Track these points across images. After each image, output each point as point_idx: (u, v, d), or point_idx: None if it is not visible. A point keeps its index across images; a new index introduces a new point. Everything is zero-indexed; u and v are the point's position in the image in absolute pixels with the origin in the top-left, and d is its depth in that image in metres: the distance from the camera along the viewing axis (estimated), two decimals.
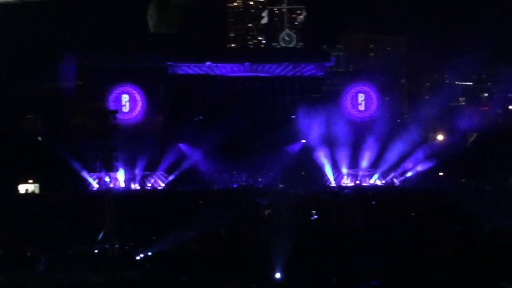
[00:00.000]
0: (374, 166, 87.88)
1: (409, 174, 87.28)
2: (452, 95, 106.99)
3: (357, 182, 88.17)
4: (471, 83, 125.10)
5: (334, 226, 57.62)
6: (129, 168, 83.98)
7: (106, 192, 52.94)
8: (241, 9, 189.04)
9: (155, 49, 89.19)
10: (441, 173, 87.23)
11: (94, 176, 77.66)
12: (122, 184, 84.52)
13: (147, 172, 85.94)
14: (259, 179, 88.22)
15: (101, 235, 52.94)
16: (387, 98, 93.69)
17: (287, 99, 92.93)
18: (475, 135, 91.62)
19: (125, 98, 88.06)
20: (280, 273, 41.53)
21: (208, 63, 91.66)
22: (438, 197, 70.72)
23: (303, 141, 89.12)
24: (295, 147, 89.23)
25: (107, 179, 54.22)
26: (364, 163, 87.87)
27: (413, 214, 64.28)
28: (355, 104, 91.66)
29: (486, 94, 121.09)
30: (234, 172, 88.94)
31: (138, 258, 48.33)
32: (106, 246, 50.62)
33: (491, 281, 38.24)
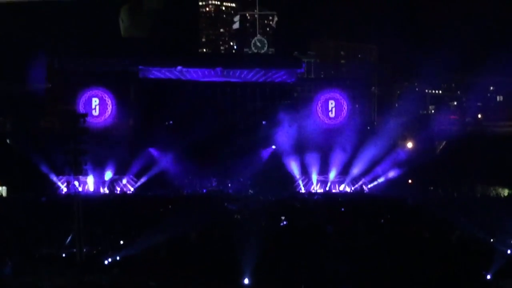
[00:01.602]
0: (344, 172, 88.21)
1: (378, 181, 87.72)
2: (421, 103, 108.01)
3: (327, 188, 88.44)
4: (440, 92, 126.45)
5: (304, 232, 57.67)
6: (98, 172, 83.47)
7: (74, 196, 52.68)
8: (213, 14, 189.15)
9: (126, 53, 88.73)
10: (410, 181, 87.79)
11: (63, 180, 77.15)
12: (91, 188, 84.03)
13: (116, 176, 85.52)
14: (229, 185, 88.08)
15: (69, 238, 52.61)
16: (357, 106, 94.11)
17: (258, 105, 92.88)
18: (444, 143, 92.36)
19: (95, 101, 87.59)
20: (249, 279, 41.52)
21: (179, 67, 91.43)
22: (407, 204, 71.16)
23: (273, 147, 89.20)
24: (265, 153, 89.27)
25: (75, 182, 53.93)
26: (334, 169, 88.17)
27: (382, 220, 64.56)
28: (326, 111, 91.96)
29: (455, 103, 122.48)
30: (204, 177, 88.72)
31: (106, 262, 48.03)
32: (74, 250, 50.34)
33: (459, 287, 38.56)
